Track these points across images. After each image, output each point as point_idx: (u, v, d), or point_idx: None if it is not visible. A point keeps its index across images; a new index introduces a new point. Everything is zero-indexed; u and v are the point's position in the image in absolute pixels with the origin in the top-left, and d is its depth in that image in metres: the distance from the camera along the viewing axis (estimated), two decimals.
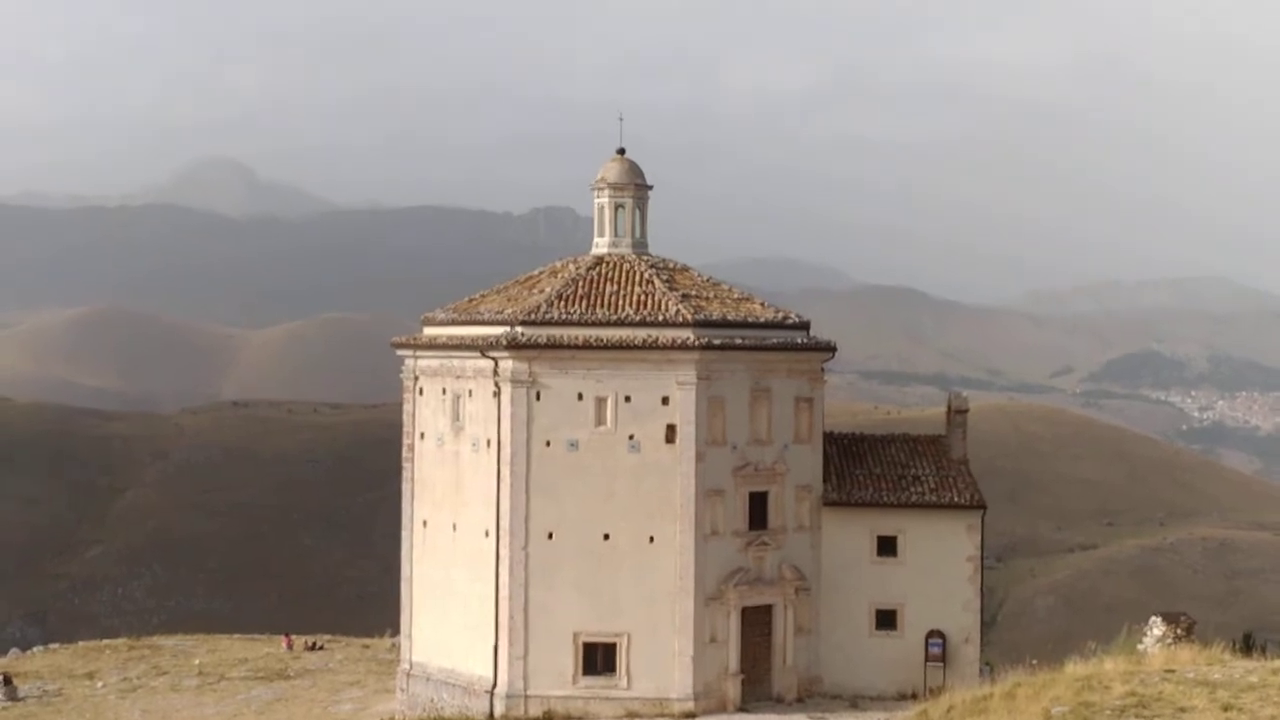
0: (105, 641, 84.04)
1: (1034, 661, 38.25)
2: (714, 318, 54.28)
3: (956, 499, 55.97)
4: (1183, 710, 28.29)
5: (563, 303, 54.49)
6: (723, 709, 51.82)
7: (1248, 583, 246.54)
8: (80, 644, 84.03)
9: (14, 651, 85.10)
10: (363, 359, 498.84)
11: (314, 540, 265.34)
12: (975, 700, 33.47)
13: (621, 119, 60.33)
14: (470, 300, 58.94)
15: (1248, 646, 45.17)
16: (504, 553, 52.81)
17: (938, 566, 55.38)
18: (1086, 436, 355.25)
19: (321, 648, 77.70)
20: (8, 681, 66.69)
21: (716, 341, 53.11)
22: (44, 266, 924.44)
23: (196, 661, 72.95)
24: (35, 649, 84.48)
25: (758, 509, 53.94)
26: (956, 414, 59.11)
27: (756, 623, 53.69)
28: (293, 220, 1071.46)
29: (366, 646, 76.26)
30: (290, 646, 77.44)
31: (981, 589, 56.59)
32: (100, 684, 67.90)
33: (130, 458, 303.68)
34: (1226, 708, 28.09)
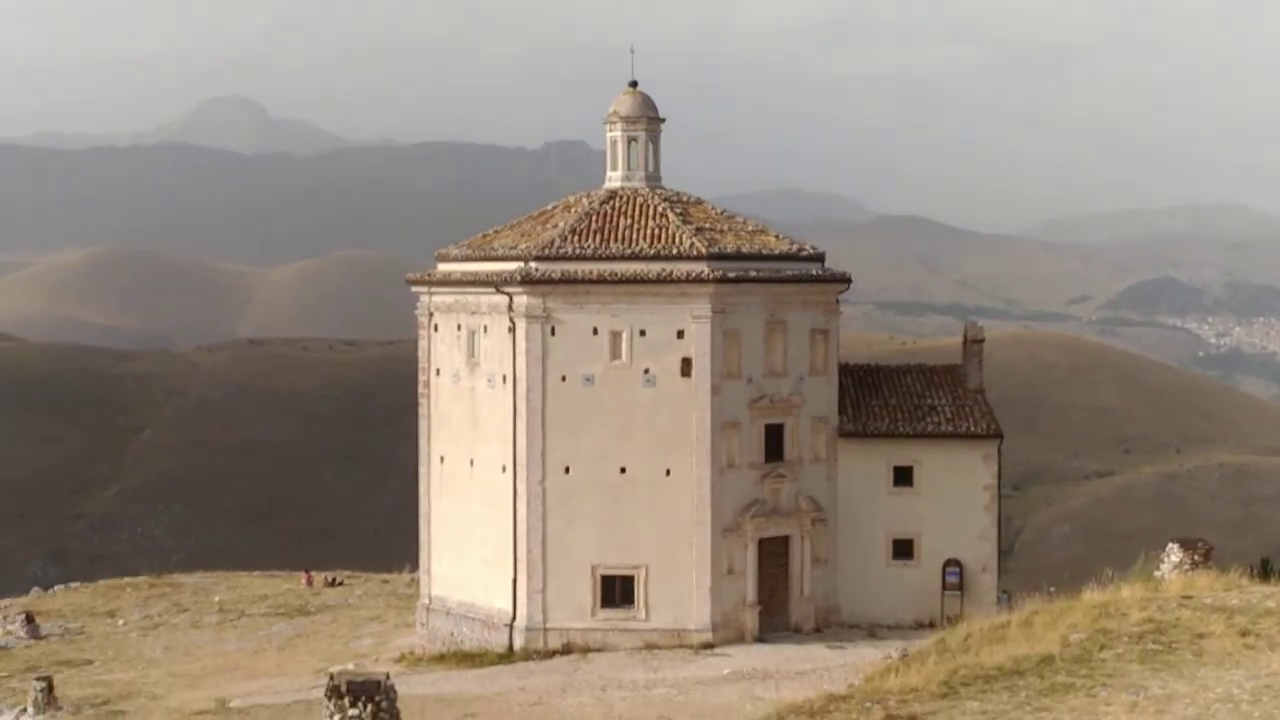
0: (126, 579, 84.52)
1: (1051, 589, 38.27)
2: (728, 250, 54.16)
3: (973, 428, 55.96)
4: (1200, 636, 28.35)
5: (576, 237, 54.38)
6: (740, 639, 52.01)
7: (1265, 508, 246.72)
8: (101, 582, 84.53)
9: (35, 590, 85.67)
10: (377, 295, 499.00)
11: (332, 477, 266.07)
12: (993, 628, 33.57)
13: (633, 51, 60.05)
14: (484, 236, 58.86)
15: (1265, 572, 45.18)
16: (521, 488, 52.92)
17: (954, 496, 55.44)
18: (1103, 364, 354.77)
19: (341, 583, 78.13)
20: (30, 620, 67.17)
21: (731, 274, 53.01)
22: (57, 207, 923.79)
23: (217, 598, 73.38)
24: (56, 588, 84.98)
25: (774, 441, 53.97)
26: (972, 343, 59.04)
27: (773, 554, 53.82)
28: (305, 157, 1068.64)
29: (386, 582, 76.60)
30: (310, 583, 77.86)
31: (998, 518, 56.68)
32: (121, 622, 68.30)
33: (146, 396, 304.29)
34: (1244, 633, 28.15)
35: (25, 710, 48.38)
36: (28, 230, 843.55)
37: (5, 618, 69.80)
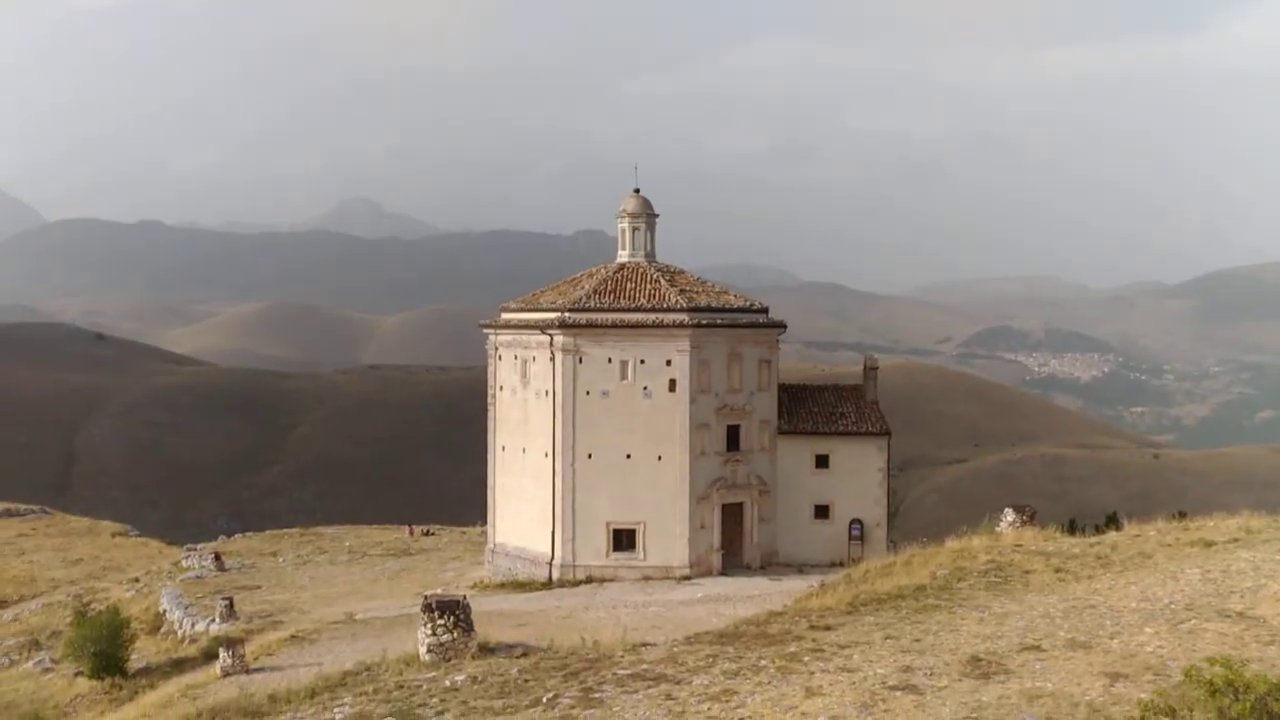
0: (283, 531, 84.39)
1: (924, 540, 38.14)
2: (701, 305, 54.17)
3: (870, 428, 55.91)
4: (1027, 572, 28.26)
5: (597, 296, 54.43)
6: (709, 573, 51.92)
7: (1073, 485, 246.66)
8: (266, 532, 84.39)
9: (221, 537, 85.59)
10: (460, 335, 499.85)
11: (428, 461, 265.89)
12: (883, 566, 33.47)
13: (637, 168, 60.20)
14: (533, 294, 58.87)
15: (1072, 528, 45.15)
16: (558, 467, 52.88)
17: (857, 475, 55.35)
18: (960, 385, 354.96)
19: (432, 534, 77.92)
20: (218, 558, 67.14)
21: (704, 321, 53.04)
22: (240, 274, 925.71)
23: (347, 544, 73.20)
24: (236, 536, 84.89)
25: (732, 437, 53.91)
26: (870, 370, 59.05)
27: (732, 515, 53.72)
28: (409, 239, 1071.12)
29: (464, 533, 76.45)
30: (411, 533, 77.66)
31: (888, 490, 56.54)
32: (281, 559, 68.18)
33: (300, 404, 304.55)
34: (1058, 570, 28.08)
35: (214, 620, 48.26)
36: (219, 290, 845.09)
37: (200, 557, 69.72)
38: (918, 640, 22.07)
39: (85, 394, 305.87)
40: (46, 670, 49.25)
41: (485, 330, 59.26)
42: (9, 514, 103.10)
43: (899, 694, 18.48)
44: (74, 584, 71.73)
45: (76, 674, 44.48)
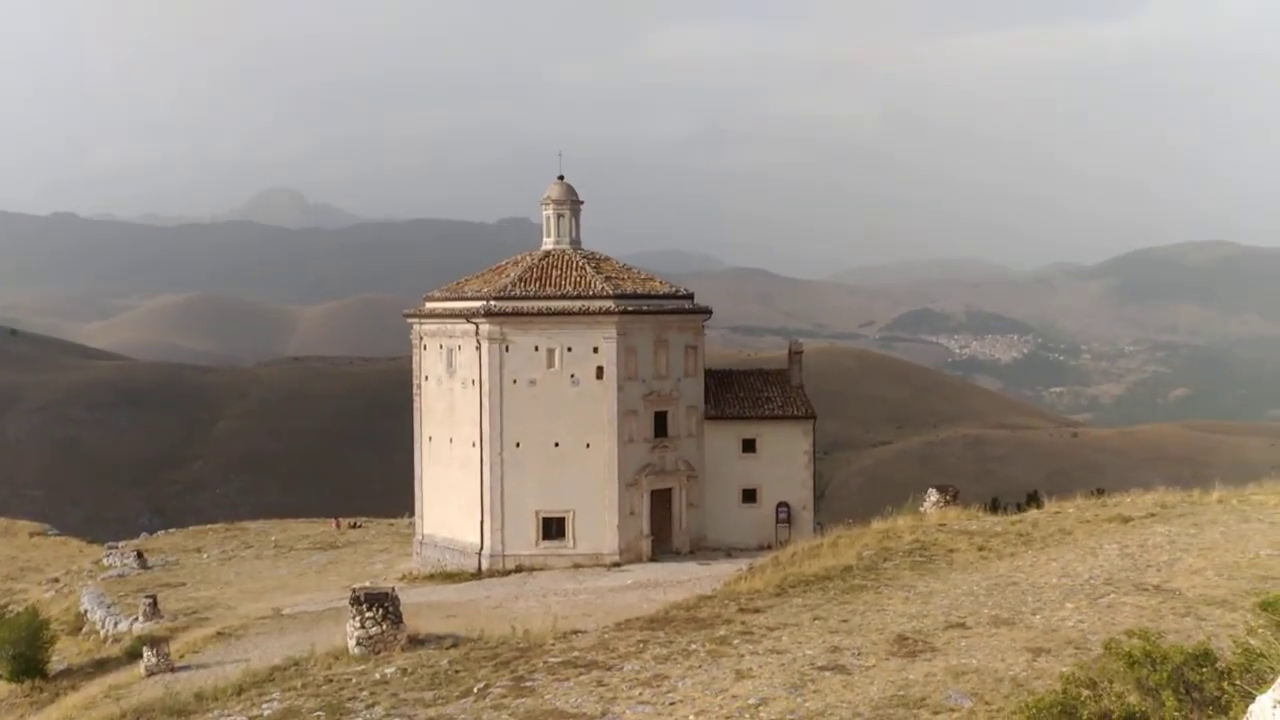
0: (208, 526, 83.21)
1: (850, 521, 38.59)
2: (627, 292, 54.19)
3: (795, 412, 56.32)
4: (951, 550, 28.69)
5: (523, 284, 54.22)
6: (639, 560, 52.03)
7: (994, 465, 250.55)
8: (190, 528, 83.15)
9: (143, 535, 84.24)
10: (384, 325, 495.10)
11: (353, 452, 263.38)
12: (811, 548, 33.80)
13: (560, 154, 60.01)
14: (457, 283, 58.52)
15: (994, 507, 45.90)
16: (486, 457, 52.66)
17: (784, 459, 55.74)
18: (883, 368, 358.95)
19: (359, 526, 77.23)
20: (140, 555, 66.00)
21: (630, 308, 53.06)
22: (158, 266, 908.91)
23: (273, 538, 72.33)
24: (159, 533, 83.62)
25: (660, 423, 54.05)
26: (794, 354, 59.47)
27: (661, 500, 53.88)
28: (332, 230, 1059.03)
29: (391, 524, 75.89)
30: (338, 526, 76.91)
31: (814, 473, 57.05)
32: (205, 555, 67.24)
33: (221, 398, 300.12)
34: (981, 548, 28.53)
35: (137, 619, 47.46)
36: (137, 282, 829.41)
37: (122, 554, 68.48)
38: (845, 621, 22.33)
39: None
40: None
41: (410, 320, 58.78)
42: None
43: (828, 674, 18.69)
44: None
45: None
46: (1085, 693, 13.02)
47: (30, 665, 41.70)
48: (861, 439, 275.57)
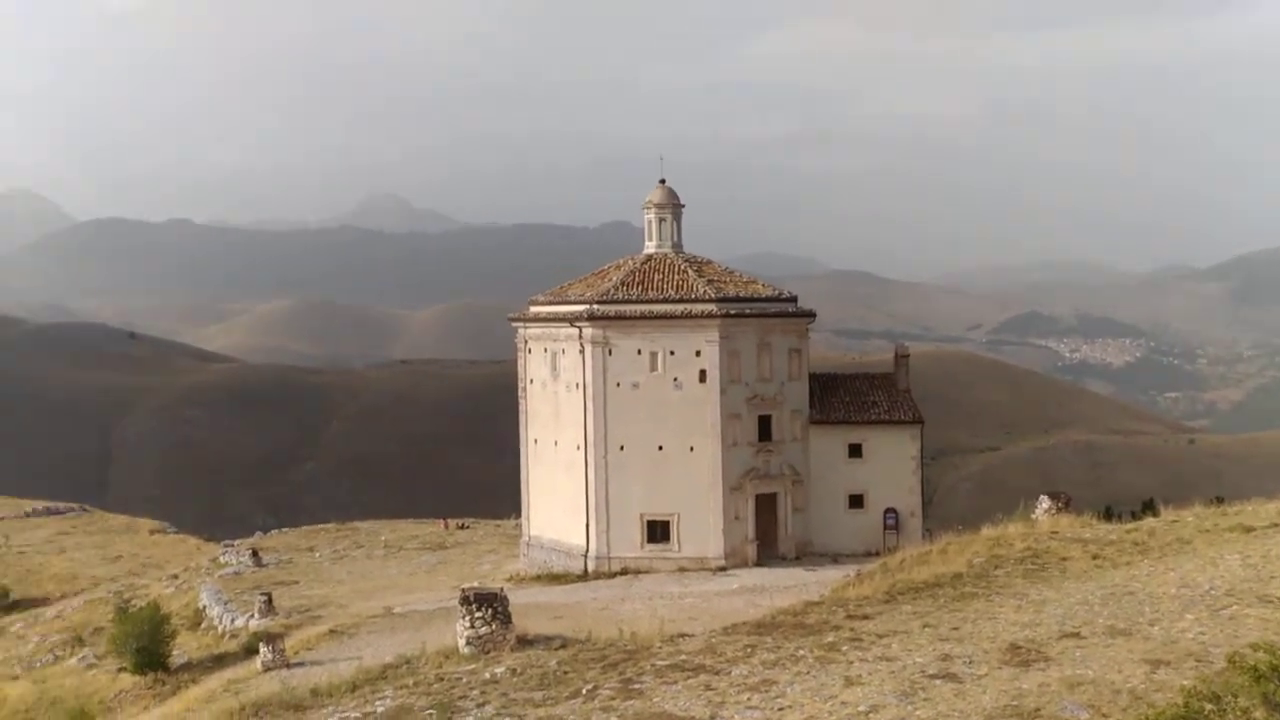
0: (319, 526, 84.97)
1: (959, 528, 38.05)
2: (730, 295, 54.15)
3: (902, 417, 55.74)
4: (1065, 559, 28.17)
5: (625, 287, 54.50)
6: (744, 564, 51.94)
7: (1107, 471, 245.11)
8: (302, 528, 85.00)
9: (258, 533, 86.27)
10: (490, 329, 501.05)
11: (460, 454, 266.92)
12: (920, 554, 33.42)
13: (662, 158, 60.15)
14: (561, 287, 59.02)
15: (1107, 515, 44.96)
16: (590, 459, 53.03)
17: (891, 464, 55.20)
18: (991, 372, 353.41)
19: (467, 527, 78.32)
20: (255, 554, 67.66)
21: (732, 311, 53.03)
22: (269, 271, 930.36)
23: (383, 538, 73.63)
24: (272, 532, 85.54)
25: (764, 427, 53.87)
26: (901, 358, 58.87)
27: (766, 505, 53.71)
28: (436, 234, 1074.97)
29: (498, 526, 76.75)
30: (446, 527, 78.09)
31: (921, 479, 56.41)
32: (318, 554, 68.65)
33: (331, 400, 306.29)
34: (1095, 557, 27.96)
35: (253, 616, 48.68)
36: (250, 287, 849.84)
37: (238, 553, 70.29)
38: (956, 629, 22.05)
39: (120, 392, 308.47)
40: (90, 666, 49.81)
41: (514, 324, 59.41)
42: (49, 512, 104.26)
43: (939, 682, 18.49)
44: (114, 581, 72.47)
45: (120, 670, 44.96)
46: (1209, 707, 12.72)
47: (153, 659, 43.06)
48: (969, 444, 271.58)
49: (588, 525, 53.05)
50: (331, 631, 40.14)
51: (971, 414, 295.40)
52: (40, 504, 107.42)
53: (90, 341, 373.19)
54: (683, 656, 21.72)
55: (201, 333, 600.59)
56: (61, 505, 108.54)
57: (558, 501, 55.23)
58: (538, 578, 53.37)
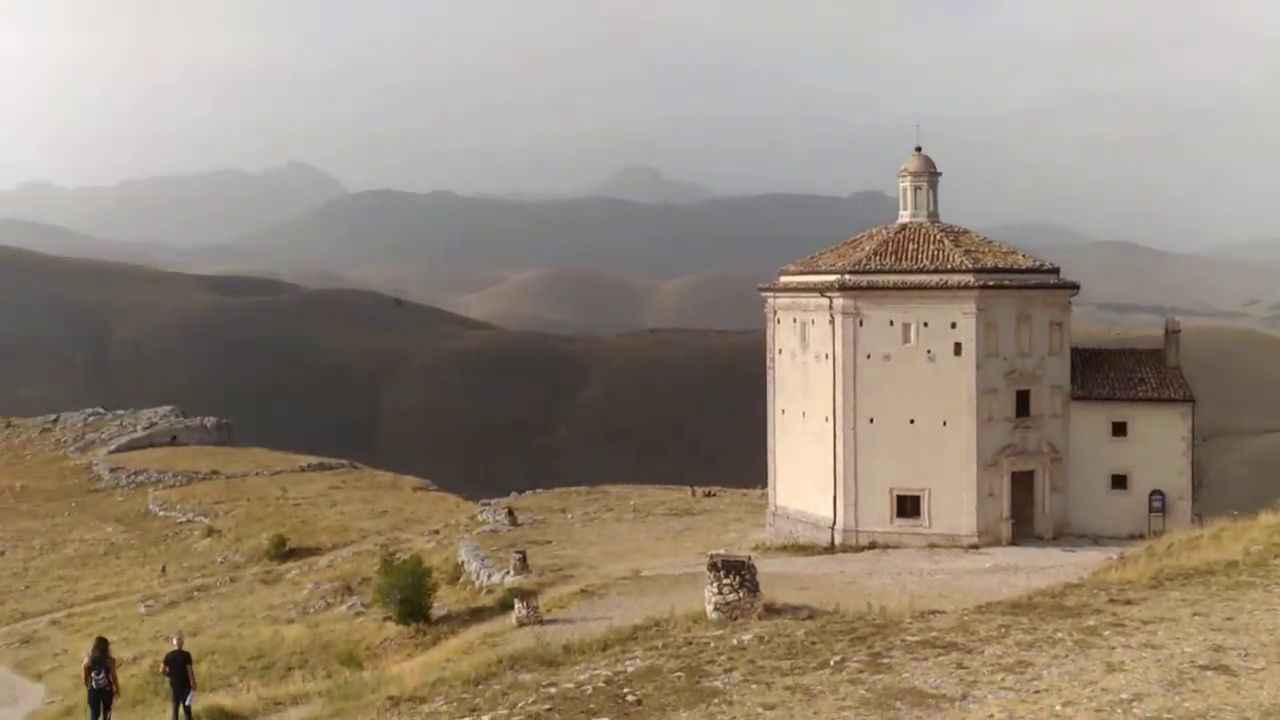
0: (571, 489, 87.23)
1: (1234, 514, 35.92)
2: (988, 266, 52.53)
3: (1172, 395, 52.95)
4: None
5: (878, 257, 53.63)
6: (998, 543, 50.54)
7: None
8: (555, 490, 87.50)
9: (514, 494, 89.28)
10: (737, 299, 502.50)
11: (707, 423, 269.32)
12: (1189, 540, 31.76)
13: (918, 126, 58.76)
14: (811, 257, 58.55)
15: None
16: (839, 431, 52.58)
17: (1158, 444, 52.55)
18: (1271, 349, 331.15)
19: (714, 494, 78.96)
20: (510, 513, 70.15)
21: (990, 283, 51.43)
22: (525, 241, 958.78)
23: (632, 502, 75.08)
24: (526, 493, 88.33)
25: (1022, 402, 52.15)
26: (1171, 333, 55.85)
27: (1022, 483, 52.06)
28: (686, 206, 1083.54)
29: (745, 494, 77.05)
30: (693, 494, 78.94)
31: (1191, 460, 53.50)
32: (569, 516, 70.56)
33: (583, 367, 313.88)
34: None
35: (508, 573, 50.49)
36: (507, 257, 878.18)
37: (494, 512, 73.03)
38: (1230, 619, 20.83)
39: (387, 357, 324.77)
40: (358, 614, 52.80)
41: (764, 294, 59.32)
42: (322, 468, 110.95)
43: (1210, 674, 17.52)
44: (380, 534, 76.53)
45: (385, 618, 47.48)
46: None
47: (415, 609, 45.29)
48: (1245, 426, 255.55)
49: (835, 497, 52.68)
50: (582, 591, 41.24)
51: (1248, 393, 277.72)
52: (314, 460, 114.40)
53: (360, 308, 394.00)
54: (934, 633, 21.31)
55: (461, 300, 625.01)
56: (333, 461, 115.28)
57: (805, 472, 55.01)
58: (783, 548, 53.35)
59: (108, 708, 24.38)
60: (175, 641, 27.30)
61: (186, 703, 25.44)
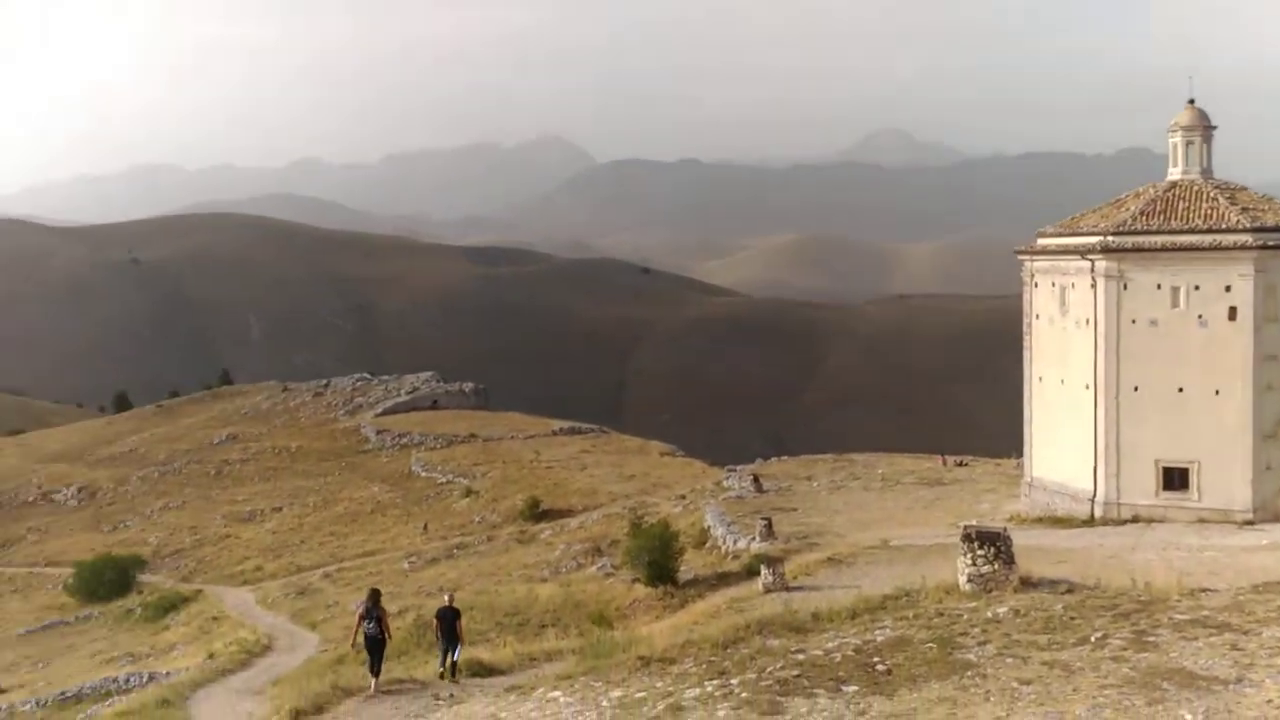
0: (817, 456, 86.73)
1: None
2: (1268, 224, 49.11)
3: None
4: None
5: (1144, 217, 50.91)
6: (1275, 520, 47.37)
7: None
8: (800, 457, 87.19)
9: (758, 460, 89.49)
10: (990, 263, 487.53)
11: (959, 390, 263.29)
12: None
13: (1191, 77, 55.28)
14: (1072, 218, 56.13)
15: None
16: (1100, 400, 50.35)
17: None
18: None
19: (965, 464, 77.06)
20: (756, 480, 70.34)
21: (1270, 243, 48.07)
22: (770, 207, 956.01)
23: (879, 471, 74.06)
24: (771, 459, 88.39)
25: None
26: None
27: None
28: (938, 167, 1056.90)
29: (998, 465, 74.92)
30: (944, 463, 77.27)
31: None
32: (815, 483, 70.19)
33: (830, 334, 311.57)
34: None
35: (754, 539, 50.71)
36: (752, 223, 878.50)
37: (740, 478, 73.39)
38: None
39: (633, 324, 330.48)
40: (608, 575, 54.09)
41: (1021, 257, 57.26)
42: (573, 431, 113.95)
43: None
44: (629, 498, 78.09)
45: (633, 580, 48.48)
46: None
47: (663, 572, 46.06)
48: None
49: (1095, 469, 50.53)
50: (829, 559, 41.03)
51: None
52: (565, 424, 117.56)
53: (609, 277, 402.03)
54: (1205, 612, 20.28)
55: (707, 267, 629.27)
56: (584, 426, 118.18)
57: (1063, 442, 52.98)
58: (1039, 520, 51.59)
59: (380, 655, 25.82)
60: (447, 598, 28.71)
61: (455, 656, 26.73)
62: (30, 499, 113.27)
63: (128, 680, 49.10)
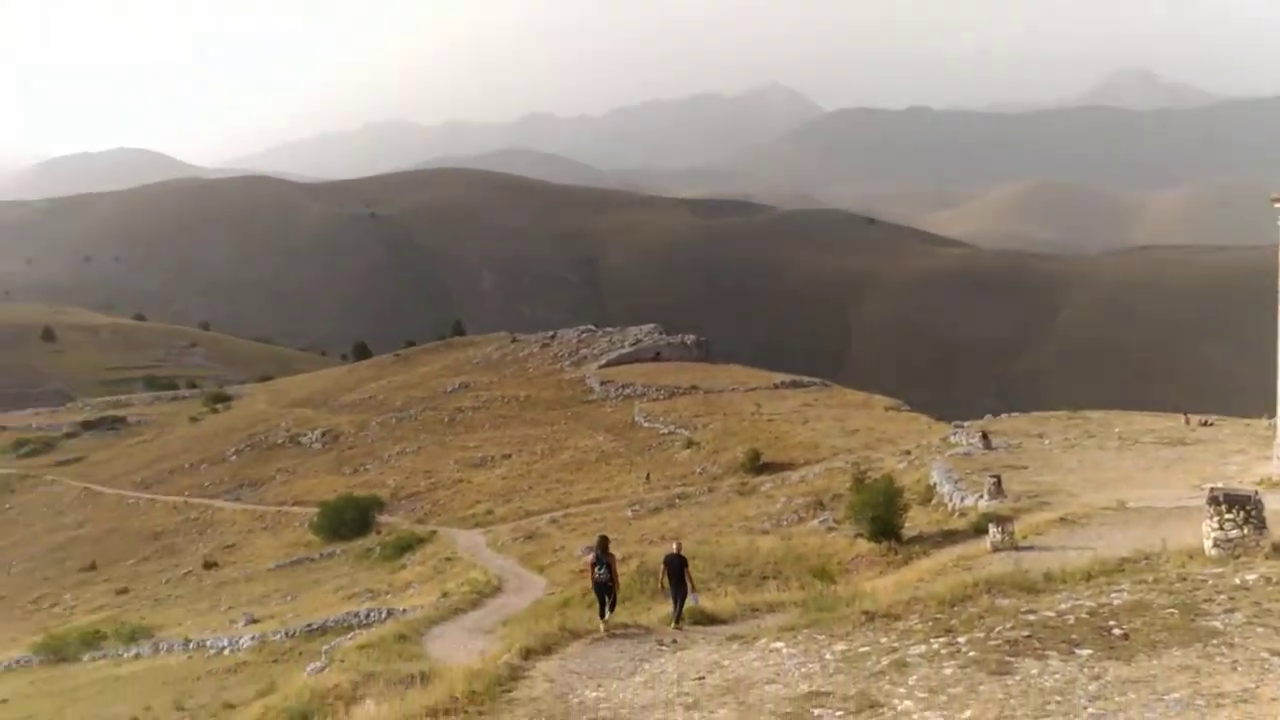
0: (1049, 413, 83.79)
1: None
2: None
3: None
4: None
5: None
6: None
7: None
8: (1031, 413, 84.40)
9: (987, 416, 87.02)
10: (1241, 212, 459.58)
11: (1205, 345, 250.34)
12: None
13: None
14: None
15: None
16: None
17: None
18: None
19: (1210, 424, 73.15)
20: (984, 437, 68.47)
21: None
22: (1005, 155, 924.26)
23: (1116, 429, 71.06)
24: (1001, 416, 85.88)
25: None
26: None
27: None
28: (1185, 111, 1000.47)
29: (1248, 425, 70.72)
30: (1188, 422, 73.55)
31: None
32: (1046, 441, 67.85)
33: (1065, 286, 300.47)
34: None
35: (982, 497, 49.49)
36: (983, 172, 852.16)
37: (968, 434, 71.63)
38: None
39: (857, 276, 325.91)
40: (830, 529, 53.76)
41: (1276, 204, 53.69)
42: (794, 385, 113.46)
43: None
44: (851, 452, 77.29)
45: (856, 535, 48.05)
46: None
47: (887, 528, 45.51)
48: None
49: None
50: (1061, 519, 39.67)
51: None
52: (787, 377, 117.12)
53: (831, 228, 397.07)
54: None
55: (934, 218, 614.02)
56: (805, 379, 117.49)
57: None
58: None
59: (610, 600, 26.41)
60: (674, 546, 29.12)
61: (693, 602, 27.18)
62: (279, 441, 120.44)
63: (368, 615, 51.92)
